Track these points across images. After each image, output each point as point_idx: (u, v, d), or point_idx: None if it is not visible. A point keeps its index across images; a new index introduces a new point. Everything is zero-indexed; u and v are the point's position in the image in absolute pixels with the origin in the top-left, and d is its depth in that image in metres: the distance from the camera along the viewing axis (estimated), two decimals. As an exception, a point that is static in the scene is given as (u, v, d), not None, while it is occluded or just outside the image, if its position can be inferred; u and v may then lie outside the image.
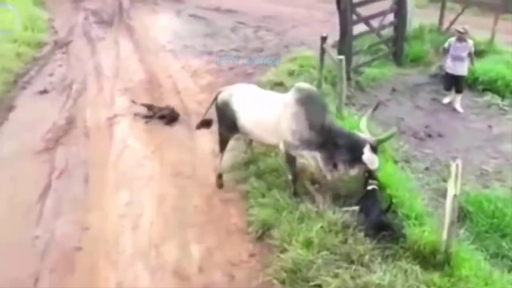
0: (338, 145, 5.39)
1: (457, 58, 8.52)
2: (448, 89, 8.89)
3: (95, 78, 10.35)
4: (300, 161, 5.68)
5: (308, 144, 5.48)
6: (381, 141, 5.59)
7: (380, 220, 5.10)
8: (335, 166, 5.44)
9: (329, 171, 5.49)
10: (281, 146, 5.68)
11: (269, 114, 5.71)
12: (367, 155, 5.24)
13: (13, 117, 8.75)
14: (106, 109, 8.84)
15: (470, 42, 8.50)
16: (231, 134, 6.32)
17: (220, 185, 6.42)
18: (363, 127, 5.68)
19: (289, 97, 5.65)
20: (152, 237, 5.61)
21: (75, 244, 5.52)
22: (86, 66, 10.99)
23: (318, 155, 5.48)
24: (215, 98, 6.32)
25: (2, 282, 5.02)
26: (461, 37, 8.45)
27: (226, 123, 6.16)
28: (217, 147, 6.65)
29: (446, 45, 8.75)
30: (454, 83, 8.69)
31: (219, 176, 6.44)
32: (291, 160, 5.71)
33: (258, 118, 5.81)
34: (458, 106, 8.68)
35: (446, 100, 8.90)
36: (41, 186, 6.59)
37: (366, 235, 5.06)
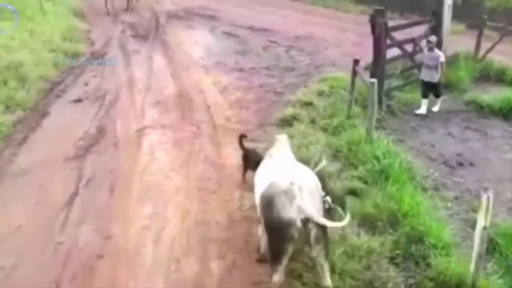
0: None
1: (426, 67, 9.28)
2: (423, 96, 9.45)
3: (127, 90, 10.56)
4: None
5: None
6: None
7: None
8: None
9: None
10: None
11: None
12: None
13: (47, 124, 8.98)
14: (136, 121, 8.98)
15: (437, 52, 9.23)
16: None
17: None
18: None
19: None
20: (173, 251, 5.59)
21: (97, 253, 5.55)
22: (119, 78, 11.24)
23: None
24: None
25: (23, 287, 5.07)
26: (430, 46, 9.18)
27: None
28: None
29: (420, 55, 9.75)
30: (428, 90, 9.42)
31: None
32: None
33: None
34: (436, 107, 9.49)
35: (419, 111, 9.40)
36: (68, 193, 6.69)
37: None
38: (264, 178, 4.75)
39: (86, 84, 10.92)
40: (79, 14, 17.11)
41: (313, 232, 4.25)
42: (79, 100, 10.01)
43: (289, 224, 4.23)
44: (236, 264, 5.35)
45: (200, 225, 6.00)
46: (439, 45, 9.97)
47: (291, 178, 4.40)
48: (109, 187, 6.90)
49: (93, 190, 6.85)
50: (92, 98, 10.12)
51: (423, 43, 9.61)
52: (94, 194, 6.73)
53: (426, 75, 9.28)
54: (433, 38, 9.21)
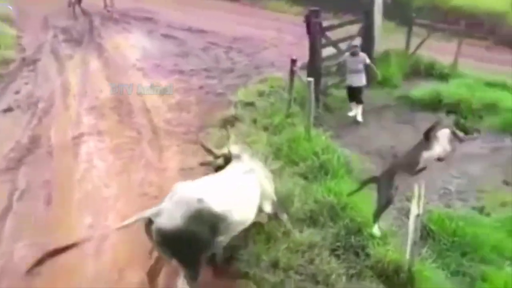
0: None
1: (353, 71, 9.12)
2: (351, 100, 9.41)
3: (62, 96, 10.17)
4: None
5: None
6: None
7: None
8: None
9: None
10: (269, 209, 5.36)
11: (250, 190, 5.06)
12: None
13: (-25, 136, 8.49)
14: (72, 128, 8.68)
15: (362, 55, 9.14)
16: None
17: None
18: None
19: (247, 164, 5.35)
20: (116, 261, 5.48)
21: (33, 269, 5.31)
22: (53, 84, 10.80)
23: None
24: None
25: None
26: (354, 51, 9.11)
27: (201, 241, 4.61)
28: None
29: (341, 60, 9.41)
30: (354, 94, 9.29)
31: None
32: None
33: (241, 200, 4.89)
34: (359, 117, 9.26)
35: (351, 113, 9.39)
36: (0, 208, 6.38)
37: None
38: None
39: (17, 92, 10.42)
40: (8, 20, 16.24)
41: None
42: (9, 109, 9.53)
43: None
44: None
45: (143, 232, 5.87)
46: (371, 42, 10.33)
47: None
48: (45, 198, 6.65)
49: (28, 202, 6.58)
50: (24, 106, 9.67)
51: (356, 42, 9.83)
52: (29, 207, 6.47)
53: (355, 80, 9.15)
54: (356, 43, 9.20)
